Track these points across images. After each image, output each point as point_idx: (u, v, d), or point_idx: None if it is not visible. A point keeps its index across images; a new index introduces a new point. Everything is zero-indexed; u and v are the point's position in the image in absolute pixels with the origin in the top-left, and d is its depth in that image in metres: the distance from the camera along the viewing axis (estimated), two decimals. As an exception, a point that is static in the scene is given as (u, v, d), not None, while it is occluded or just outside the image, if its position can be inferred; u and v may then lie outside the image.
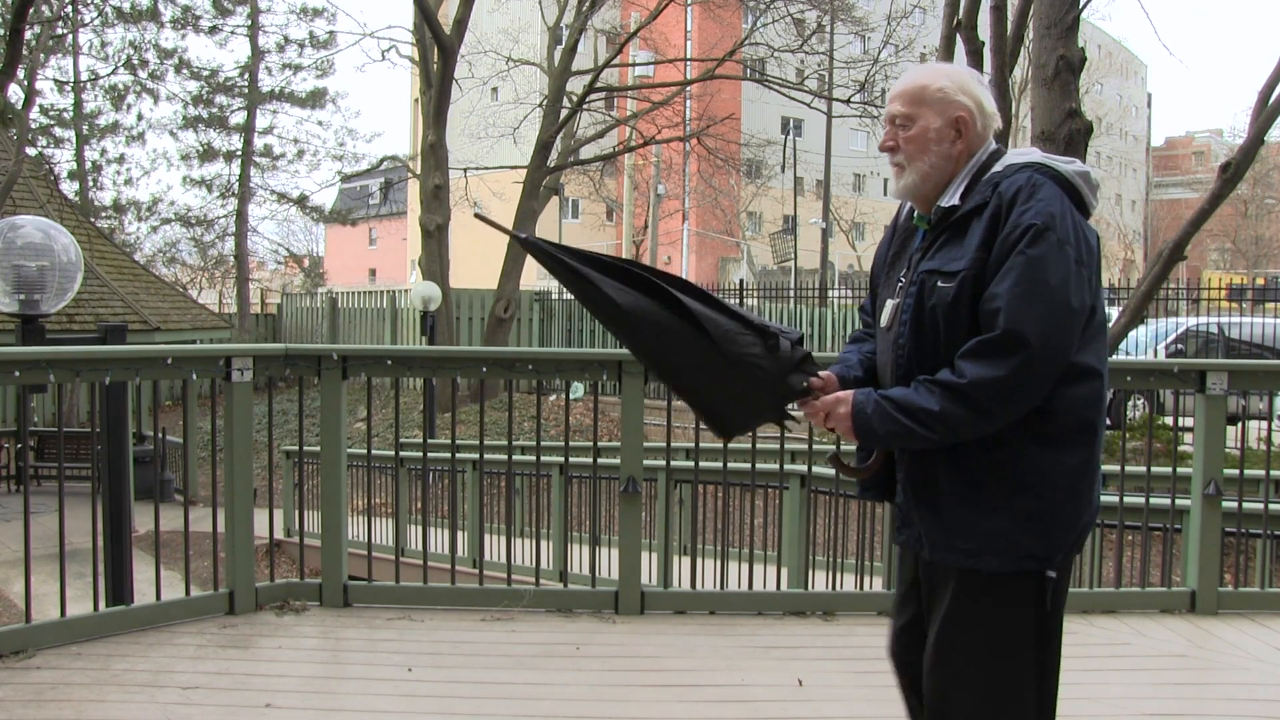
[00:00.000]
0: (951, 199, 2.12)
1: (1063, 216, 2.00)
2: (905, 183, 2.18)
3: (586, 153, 24.02)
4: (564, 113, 19.96)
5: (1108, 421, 14.11)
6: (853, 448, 2.34)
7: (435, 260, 18.45)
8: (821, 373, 2.22)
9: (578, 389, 16.12)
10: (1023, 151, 2.15)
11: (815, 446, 4.89)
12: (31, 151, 20.60)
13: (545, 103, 20.16)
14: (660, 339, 2.13)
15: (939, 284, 2.06)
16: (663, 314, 2.12)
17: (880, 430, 2.07)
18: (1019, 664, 2.09)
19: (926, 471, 2.11)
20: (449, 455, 6.09)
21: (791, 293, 23.72)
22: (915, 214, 2.24)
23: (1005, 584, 2.07)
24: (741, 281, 21.80)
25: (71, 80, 27.86)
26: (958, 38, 5.80)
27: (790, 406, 2.23)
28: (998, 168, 2.10)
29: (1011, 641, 2.09)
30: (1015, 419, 1.99)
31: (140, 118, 30.96)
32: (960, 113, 2.13)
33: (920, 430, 2.01)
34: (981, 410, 1.97)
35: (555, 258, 2.21)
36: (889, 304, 2.22)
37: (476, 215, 2.48)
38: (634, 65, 26.11)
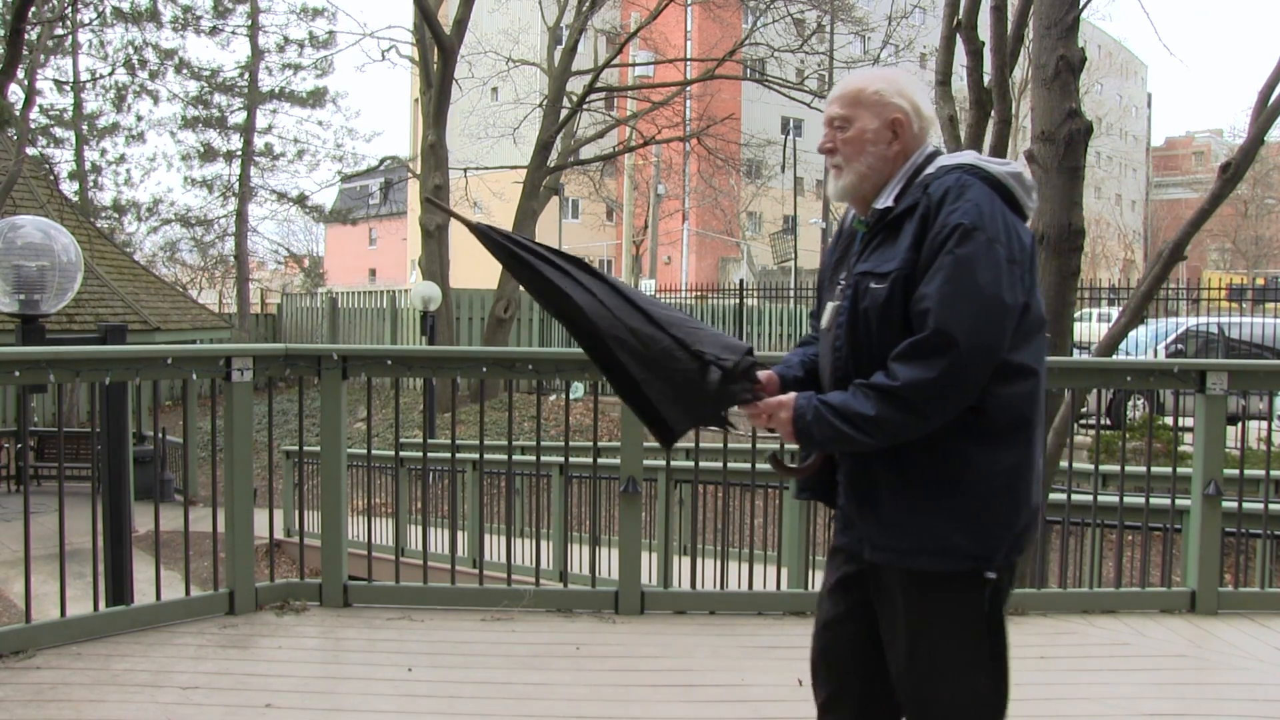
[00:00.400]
0: (886, 200, 2.14)
1: (992, 216, 2.01)
2: (843, 184, 2.20)
3: (586, 153, 24.02)
4: (564, 113, 19.96)
5: (1107, 421, 14.16)
6: (793, 447, 2.35)
7: (435, 260, 18.46)
8: (762, 374, 2.23)
9: (578, 389, 16.11)
10: (957, 154, 2.17)
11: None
12: (31, 151, 20.60)
13: (545, 103, 20.16)
14: (608, 337, 2.16)
15: (871, 285, 2.08)
16: (610, 317, 2.16)
17: (818, 435, 2.08)
18: (971, 662, 2.11)
19: (866, 473, 2.12)
20: (449, 455, 6.09)
21: (791, 293, 23.73)
22: (855, 217, 2.26)
23: (946, 583, 2.08)
24: (741, 281, 21.79)
25: (71, 80, 27.87)
26: (958, 38, 5.80)
27: (733, 410, 2.25)
28: (930, 169, 2.12)
29: (961, 639, 2.10)
30: (951, 418, 2.01)
31: (140, 118, 31.07)
32: (896, 114, 2.16)
33: (857, 435, 2.03)
34: (915, 412, 1.99)
35: (508, 249, 2.24)
36: (829, 306, 2.23)
37: (428, 199, 2.53)
38: (634, 65, 26.12)
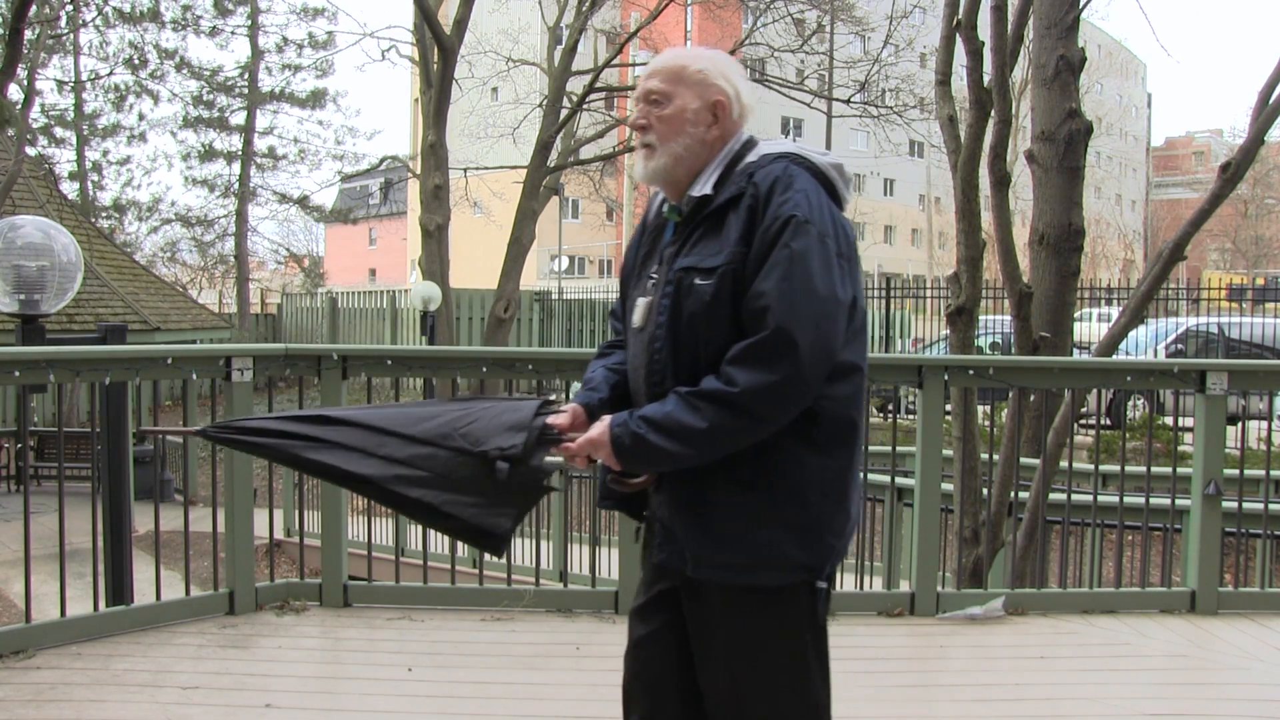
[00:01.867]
0: (704, 188, 2.00)
1: (821, 209, 1.91)
2: (655, 165, 2.04)
3: (586, 153, 24.01)
4: (564, 113, 19.95)
5: (1107, 421, 14.15)
6: None
7: (435, 260, 18.44)
8: (561, 414, 2.05)
9: (578, 389, 16.09)
10: (776, 141, 2.06)
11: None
12: (31, 151, 20.60)
13: (545, 103, 20.14)
14: (389, 481, 2.01)
15: (696, 281, 1.92)
16: (378, 461, 2.01)
17: (643, 458, 1.93)
18: (796, 677, 2.01)
19: (693, 483, 1.95)
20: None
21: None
22: (666, 207, 2.12)
23: (775, 597, 1.96)
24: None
25: (72, 80, 27.87)
26: (957, 37, 5.79)
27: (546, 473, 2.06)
28: (752, 157, 2.00)
29: (793, 654, 2.00)
30: (787, 423, 1.89)
31: (141, 118, 30.99)
32: (719, 97, 2.03)
33: (687, 450, 1.88)
34: (756, 418, 1.86)
35: (245, 443, 2.12)
36: (640, 302, 2.06)
37: (141, 431, 2.34)
38: (634, 65, 26.10)
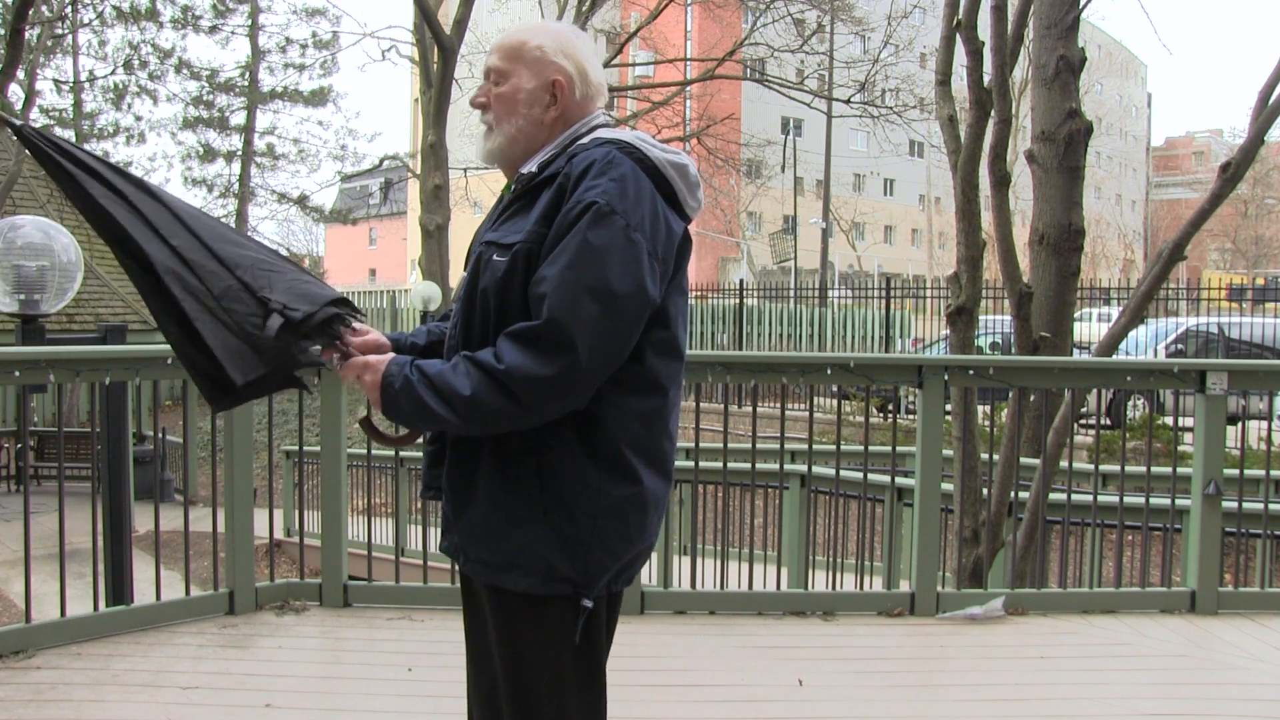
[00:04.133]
0: (530, 166, 1.92)
1: (637, 201, 1.77)
2: (491, 145, 1.98)
3: (586, 152, 24.00)
4: (564, 113, 19.94)
5: (1107, 421, 14.14)
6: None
7: (435, 260, 18.45)
8: (363, 326, 1.95)
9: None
10: (618, 130, 1.94)
11: (816, 447, 4.89)
12: (31, 151, 20.54)
13: (545, 102, 20.15)
14: (160, 269, 1.82)
15: (494, 258, 1.83)
16: (165, 249, 1.84)
17: (406, 408, 1.79)
18: (558, 686, 1.88)
19: (467, 469, 1.87)
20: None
21: (791, 293, 23.73)
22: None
23: (538, 607, 1.84)
24: (741, 281, 21.78)
25: (71, 80, 27.87)
26: (958, 37, 5.79)
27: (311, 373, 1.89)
28: (585, 140, 1.89)
29: (549, 664, 1.87)
30: (559, 416, 1.77)
31: (139, 118, 31.06)
32: (557, 76, 1.93)
33: (448, 415, 1.75)
34: (519, 403, 1.73)
35: (54, 160, 1.85)
36: (463, 276, 1.98)
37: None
38: (634, 65, 26.13)
